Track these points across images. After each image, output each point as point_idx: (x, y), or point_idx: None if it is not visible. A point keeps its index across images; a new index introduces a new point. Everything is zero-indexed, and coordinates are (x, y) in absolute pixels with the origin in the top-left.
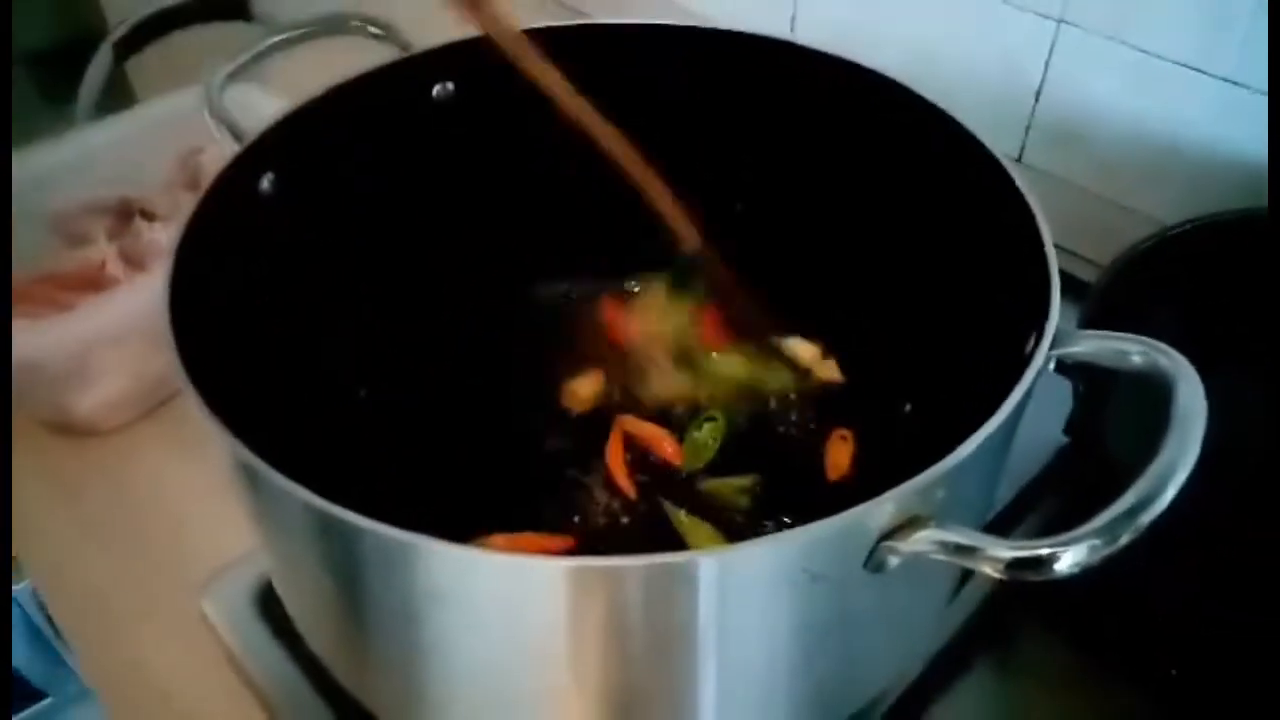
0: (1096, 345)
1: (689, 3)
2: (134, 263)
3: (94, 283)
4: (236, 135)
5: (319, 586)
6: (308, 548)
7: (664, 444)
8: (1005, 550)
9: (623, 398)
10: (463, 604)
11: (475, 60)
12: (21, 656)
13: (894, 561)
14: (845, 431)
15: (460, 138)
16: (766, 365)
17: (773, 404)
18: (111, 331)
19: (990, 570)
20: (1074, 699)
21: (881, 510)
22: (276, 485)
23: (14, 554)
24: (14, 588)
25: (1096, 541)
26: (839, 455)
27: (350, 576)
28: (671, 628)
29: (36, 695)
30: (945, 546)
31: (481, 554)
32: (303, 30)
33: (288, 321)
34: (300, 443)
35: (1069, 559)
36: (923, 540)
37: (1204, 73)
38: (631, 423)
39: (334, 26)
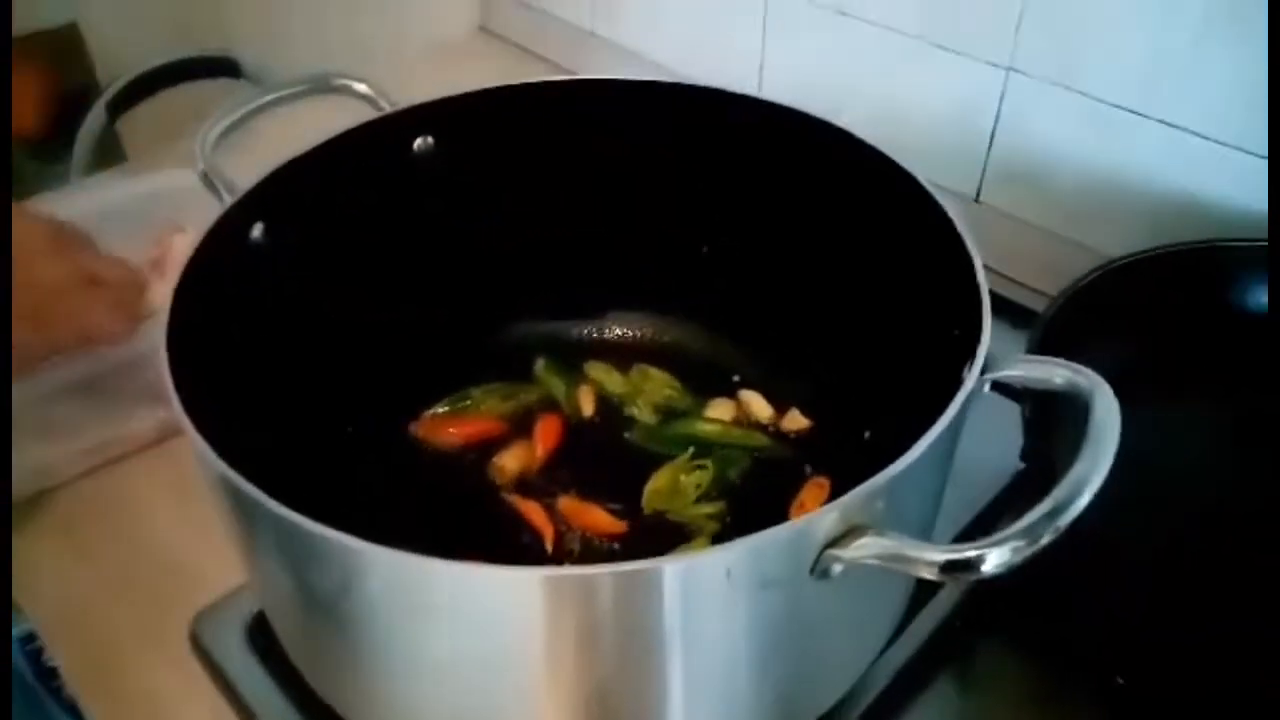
0: (1024, 369)
1: (666, 61)
2: None
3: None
4: (228, 190)
5: (308, 607)
6: (295, 568)
7: (604, 525)
8: (937, 554)
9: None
10: (444, 615)
11: (453, 116)
12: (12, 710)
13: (838, 568)
14: (823, 479)
15: (438, 188)
16: (742, 427)
17: (750, 461)
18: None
19: (926, 573)
20: (1033, 714)
21: (825, 520)
22: (265, 508)
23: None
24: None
25: (1019, 543)
26: (809, 499)
27: (337, 594)
28: (638, 632)
29: None
30: (883, 552)
31: (462, 566)
32: (293, 90)
33: (277, 361)
34: (291, 476)
35: (994, 559)
36: (862, 547)
37: (1145, 116)
38: (569, 504)
39: (321, 85)
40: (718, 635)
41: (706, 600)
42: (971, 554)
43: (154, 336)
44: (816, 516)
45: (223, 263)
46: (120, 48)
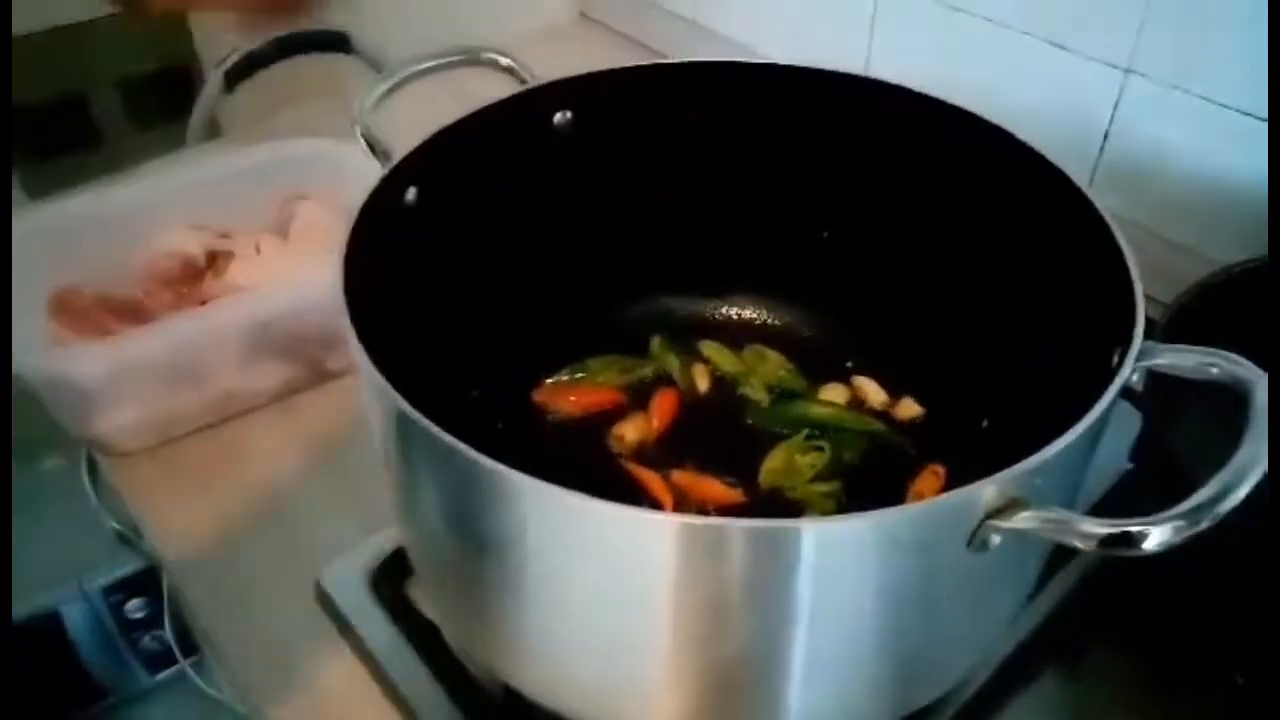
0: (1178, 358)
1: (769, 52)
2: (187, 301)
3: (138, 313)
4: (383, 152)
5: (460, 541)
6: (455, 501)
7: (721, 496)
8: (1099, 526)
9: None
10: (584, 553)
11: (593, 92)
12: (90, 655)
13: (995, 540)
14: (939, 467)
15: (574, 162)
16: (856, 412)
17: (865, 444)
18: (141, 363)
19: (1082, 544)
20: (1140, 710)
21: (986, 491)
22: (439, 440)
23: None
24: (88, 586)
25: (1181, 523)
26: (925, 487)
27: (492, 527)
28: (777, 592)
29: (102, 693)
30: (1045, 523)
31: (603, 505)
32: (445, 60)
33: (417, 321)
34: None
35: (1156, 537)
36: (1024, 519)
37: (1264, 120)
38: (684, 477)
39: (470, 58)
40: (853, 603)
41: (850, 563)
42: (1134, 529)
43: (276, 299)
44: (977, 488)
45: (381, 223)
46: (223, 17)
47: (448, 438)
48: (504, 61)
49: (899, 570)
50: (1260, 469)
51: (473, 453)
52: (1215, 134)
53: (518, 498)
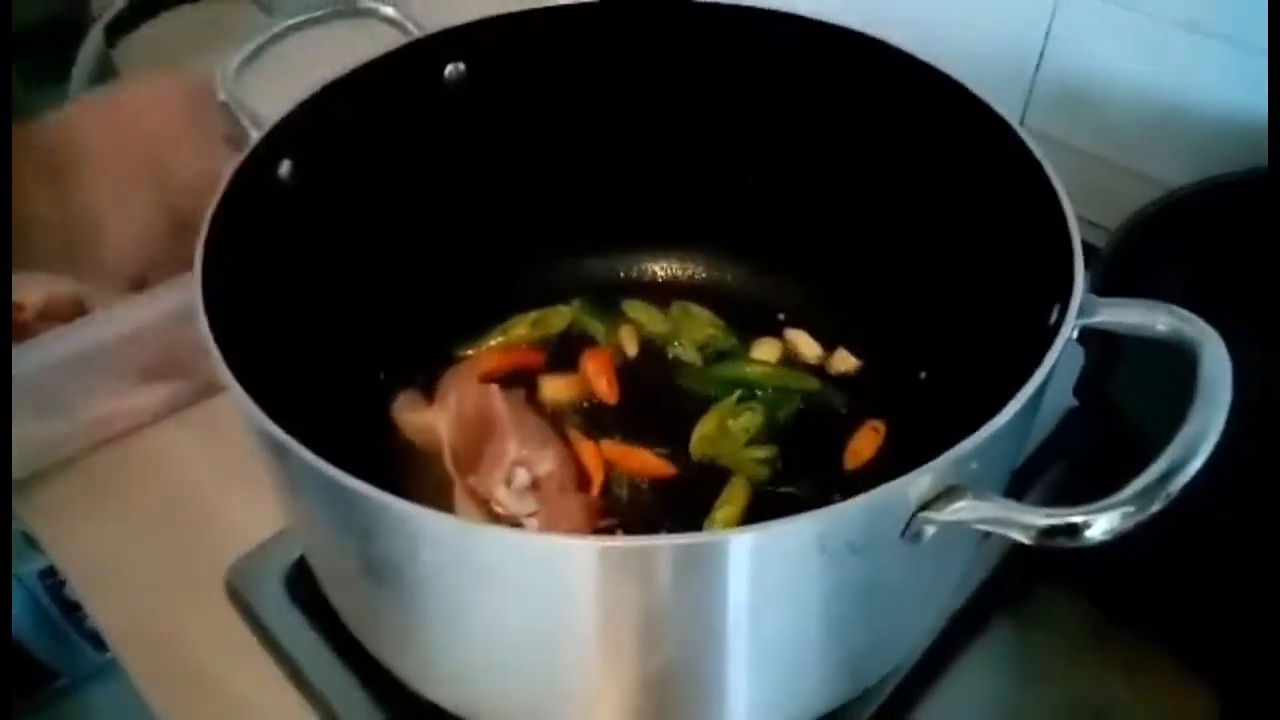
0: (1120, 314)
1: None
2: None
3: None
4: (253, 122)
5: (354, 565)
6: (341, 526)
7: (653, 468)
8: (1039, 518)
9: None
10: (499, 581)
11: (485, 41)
12: (30, 638)
13: (930, 531)
14: (878, 423)
15: (470, 118)
16: (790, 368)
17: (800, 402)
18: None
19: (1022, 537)
20: (1087, 650)
21: (920, 482)
22: (307, 463)
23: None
24: (22, 571)
25: (1130, 509)
26: (864, 445)
27: (386, 554)
28: (708, 604)
29: (52, 676)
30: (982, 516)
31: (517, 534)
32: (317, 13)
33: (307, 307)
34: (327, 424)
35: (1101, 526)
36: (958, 510)
37: (1207, 34)
38: (614, 448)
39: (346, 9)
40: (792, 603)
41: (785, 568)
42: (1077, 519)
43: (153, 305)
44: (909, 480)
45: (251, 204)
46: None
47: (324, 465)
48: (386, 11)
49: (833, 569)
50: (1212, 439)
51: (352, 481)
52: (1157, 51)
53: (404, 526)
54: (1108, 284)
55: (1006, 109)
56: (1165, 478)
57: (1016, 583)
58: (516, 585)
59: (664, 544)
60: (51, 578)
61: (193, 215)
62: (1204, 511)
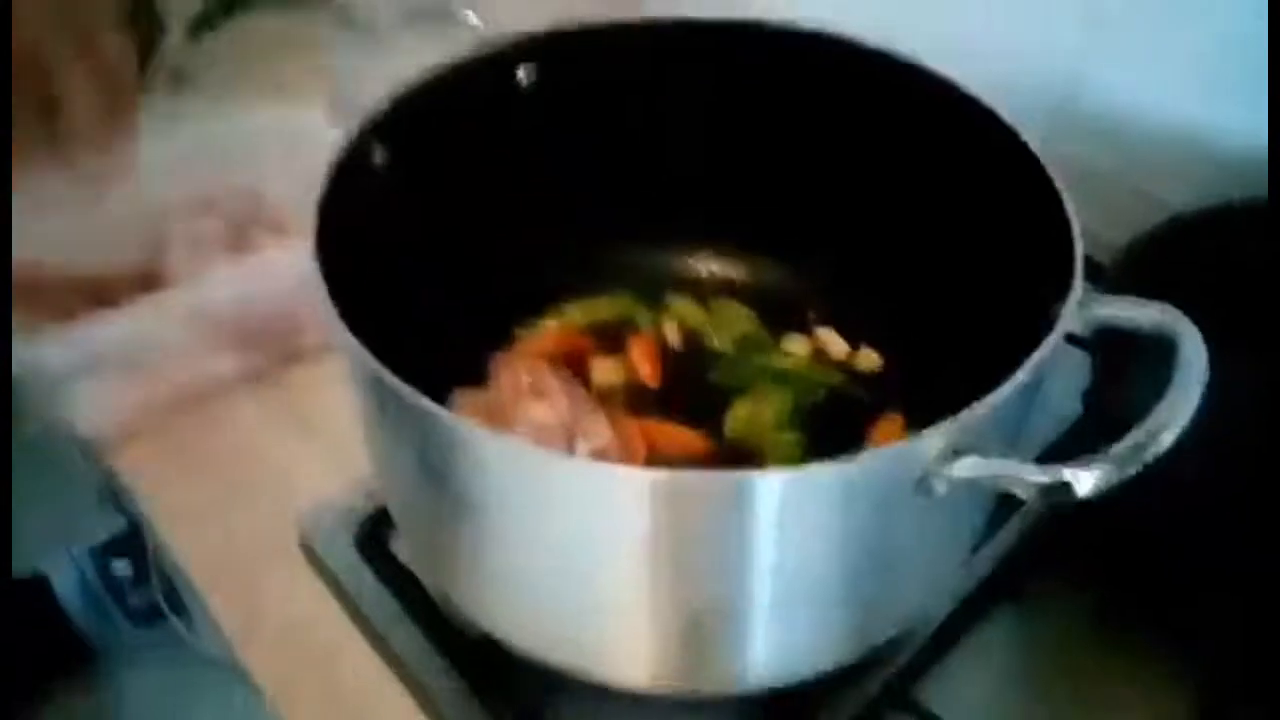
0: (1113, 308)
1: None
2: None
3: (102, 294)
4: (352, 114)
5: (430, 498)
6: (429, 458)
7: (690, 444)
8: (1036, 474)
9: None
10: (556, 506)
11: (557, 47)
12: (76, 612)
13: (940, 487)
14: (895, 415)
15: (538, 117)
16: (819, 363)
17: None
18: (107, 350)
19: (1021, 492)
20: (1088, 642)
21: (931, 442)
22: (406, 399)
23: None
24: (75, 548)
25: (1110, 467)
26: (885, 435)
27: (465, 481)
28: (740, 536)
29: (92, 653)
30: (984, 473)
31: (575, 461)
32: (409, 20)
33: (396, 278)
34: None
35: (1087, 482)
36: (965, 467)
37: (1223, 68)
38: (653, 426)
39: (436, 14)
40: (816, 544)
41: (810, 509)
42: (1066, 476)
43: (232, 281)
44: (924, 437)
45: (349, 187)
46: None
47: (420, 399)
48: (469, 18)
49: (854, 515)
50: (1183, 420)
51: (441, 411)
52: (1175, 83)
53: (482, 453)
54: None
55: (1033, 128)
56: (1139, 446)
57: (1022, 574)
58: (575, 509)
59: (704, 478)
60: (102, 555)
61: None
62: (1212, 520)
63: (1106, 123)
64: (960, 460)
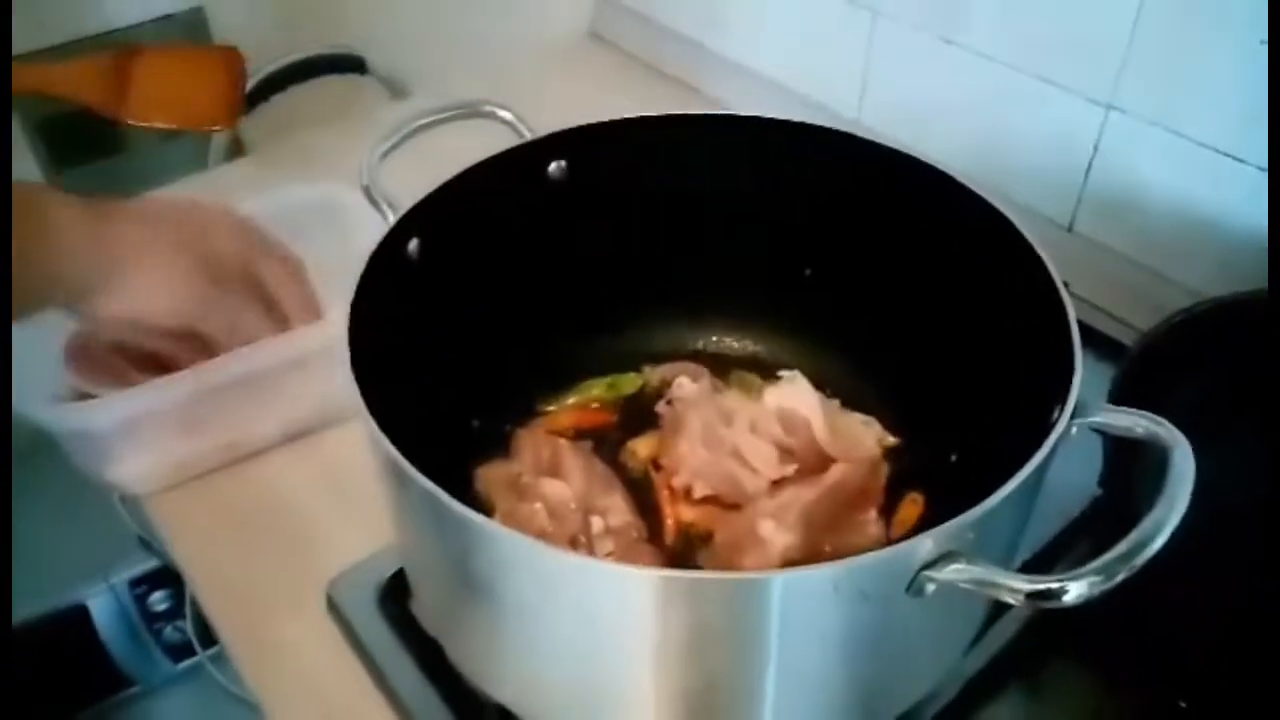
0: (1109, 417)
1: (773, 75)
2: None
3: (154, 361)
4: (390, 206)
5: (446, 577)
6: (444, 545)
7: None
8: (1023, 583)
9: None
10: (568, 601)
11: (585, 143)
12: (113, 642)
13: (930, 588)
14: (917, 495)
15: (568, 208)
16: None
17: None
18: (157, 414)
19: (1010, 599)
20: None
21: (922, 546)
22: (427, 491)
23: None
24: (112, 580)
25: (1097, 578)
26: (908, 515)
27: (477, 569)
28: (745, 633)
29: (126, 683)
30: (974, 578)
31: (586, 560)
32: (447, 114)
33: (419, 363)
34: (429, 456)
35: (1075, 591)
36: (954, 572)
37: (1241, 160)
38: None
39: (471, 111)
40: (816, 640)
41: (810, 609)
42: (1054, 585)
43: (279, 349)
44: (914, 543)
45: (384, 274)
46: (240, 36)
47: (442, 495)
48: (504, 115)
49: (848, 612)
50: (1171, 527)
51: (461, 507)
52: (1192, 170)
53: (495, 547)
54: (1132, 383)
55: (1057, 211)
56: (1128, 555)
57: (1030, 655)
58: (586, 601)
59: (710, 578)
60: (140, 587)
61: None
62: (1205, 595)
63: (1123, 205)
64: (949, 566)
